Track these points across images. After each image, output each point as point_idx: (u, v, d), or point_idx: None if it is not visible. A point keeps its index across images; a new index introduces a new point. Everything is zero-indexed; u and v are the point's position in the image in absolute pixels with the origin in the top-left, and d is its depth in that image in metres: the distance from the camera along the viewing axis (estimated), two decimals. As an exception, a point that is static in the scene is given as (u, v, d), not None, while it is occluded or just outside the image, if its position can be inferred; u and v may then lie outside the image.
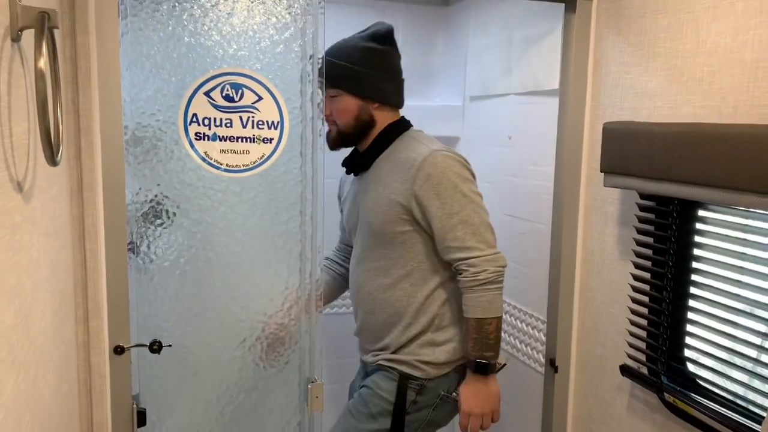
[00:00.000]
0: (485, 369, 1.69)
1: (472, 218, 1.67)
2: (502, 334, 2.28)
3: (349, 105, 1.77)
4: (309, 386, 1.69)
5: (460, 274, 1.68)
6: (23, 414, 0.87)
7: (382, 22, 1.82)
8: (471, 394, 1.71)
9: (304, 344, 1.71)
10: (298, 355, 1.71)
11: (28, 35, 0.87)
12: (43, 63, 0.80)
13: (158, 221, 1.57)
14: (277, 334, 1.69)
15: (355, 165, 1.86)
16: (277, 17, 1.57)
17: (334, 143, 1.83)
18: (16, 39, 0.85)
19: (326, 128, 1.82)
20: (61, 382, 1.21)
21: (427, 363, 1.76)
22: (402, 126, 1.84)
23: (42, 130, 0.82)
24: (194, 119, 1.55)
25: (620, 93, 1.69)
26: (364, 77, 1.77)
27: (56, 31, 1.18)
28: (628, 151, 1.52)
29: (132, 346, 1.54)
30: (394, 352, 1.79)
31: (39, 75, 0.80)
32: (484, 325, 1.67)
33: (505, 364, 1.77)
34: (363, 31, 1.82)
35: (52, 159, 0.88)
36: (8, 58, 0.82)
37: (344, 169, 1.91)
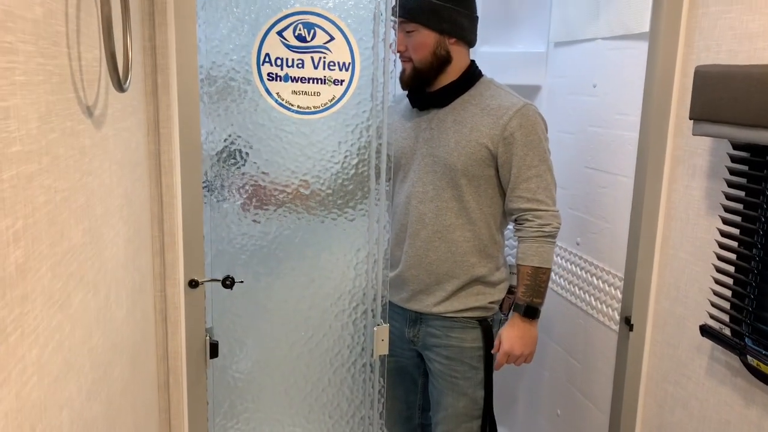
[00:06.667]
0: (534, 313, 1.78)
1: (546, 175, 1.77)
2: (577, 290, 2.23)
3: (427, 39, 1.76)
4: (375, 329, 1.71)
5: (524, 223, 1.77)
6: (93, 330, 0.92)
7: None
8: (516, 335, 1.78)
9: (369, 292, 1.72)
10: (365, 301, 1.73)
11: (98, -39, 0.89)
12: (109, -14, 0.81)
13: (232, 161, 1.60)
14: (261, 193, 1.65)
15: (428, 101, 1.83)
16: (350, -46, 1.53)
17: (410, 80, 1.82)
18: (85, -36, 0.86)
19: (398, 68, 1.81)
20: (136, 309, 1.27)
21: (493, 302, 1.87)
22: (479, 70, 1.84)
23: (107, 54, 0.83)
24: (267, 59, 1.55)
25: (717, 35, 1.56)
26: (442, 11, 1.75)
27: (131, -35, 1.20)
28: (722, 96, 1.40)
29: (206, 281, 1.59)
30: (455, 295, 1.82)
31: (104, -1, 0.81)
32: (539, 273, 1.76)
33: None
34: None
35: (119, 84, 0.89)
36: (76, -18, 0.84)
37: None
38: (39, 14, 0.69)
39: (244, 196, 1.62)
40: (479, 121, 1.76)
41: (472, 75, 1.82)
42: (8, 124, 0.60)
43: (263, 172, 1.61)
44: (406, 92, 1.88)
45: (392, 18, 1.59)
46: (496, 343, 1.82)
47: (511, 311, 1.81)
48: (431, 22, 1.74)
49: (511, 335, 1.79)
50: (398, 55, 1.80)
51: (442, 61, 1.78)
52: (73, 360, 0.81)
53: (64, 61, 0.78)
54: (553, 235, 1.78)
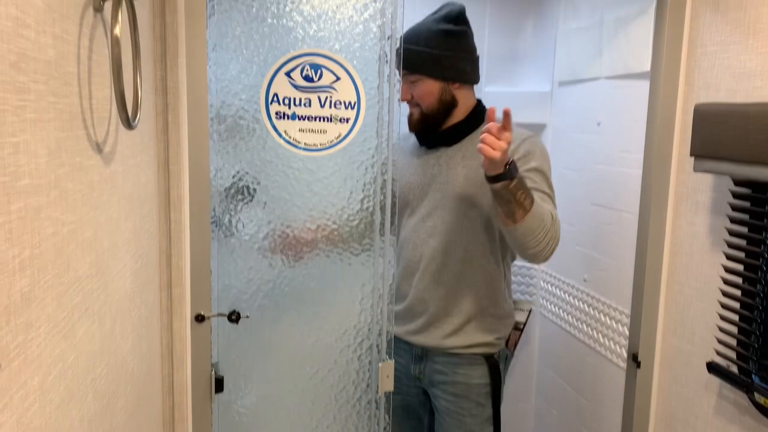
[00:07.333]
0: (510, 171, 1.50)
1: (553, 202, 1.74)
2: (584, 327, 2.21)
3: (432, 88, 1.80)
4: (380, 365, 1.71)
5: None
6: (97, 360, 0.94)
7: (453, 2, 1.84)
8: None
9: (374, 327, 1.73)
10: (371, 336, 1.73)
11: (110, 6, 0.93)
12: (119, 30, 0.85)
13: (239, 197, 1.63)
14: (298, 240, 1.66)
15: (437, 140, 1.86)
16: (356, -2, 1.59)
17: (418, 124, 1.85)
18: (98, 9, 0.91)
19: (405, 109, 1.85)
20: (141, 342, 1.28)
21: (499, 338, 1.87)
22: (484, 108, 1.86)
23: (116, 93, 0.87)
24: (275, 99, 1.59)
25: (716, 74, 1.59)
26: (443, 60, 1.78)
27: (145, 10, 1.26)
28: (721, 133, 1.43)
29: (212, 316, 1.61)
30: (462, 329, 1.82)
31: (114, 41, 0.85)
32: (528, 200, 1.54)
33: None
34: (435, 12, 1.83)
35: (127, 122, 0.93)
36: (90, 25, 0.88)
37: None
38: (51, 56, 0.73)
39: (268, 240, 1.65)
40: None
41: (479, 114, 1.85)
42: (18, 158, 0.63)
43: (286, 226, 1.63)
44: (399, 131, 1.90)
45: (396, 61, 1.63)
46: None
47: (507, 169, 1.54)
48: (434, 71, 1.78)
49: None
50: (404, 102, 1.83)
51: (449, 105, 1.82)
52: (75, 389, 0.83)
53: (75, 100, 0.82)
54: (554, 218, 1.62)
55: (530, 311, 2.03)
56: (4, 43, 0.60)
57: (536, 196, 1.63)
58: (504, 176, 1.51)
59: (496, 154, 1.47)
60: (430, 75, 1.79)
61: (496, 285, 1.85)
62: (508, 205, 1.55)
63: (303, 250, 1.68)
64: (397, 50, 1.63)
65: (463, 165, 1.81)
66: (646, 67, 1.81)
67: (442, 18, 1.80)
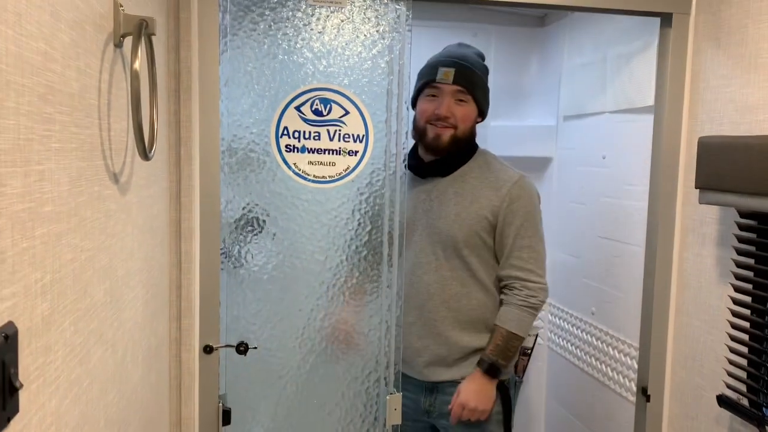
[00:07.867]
0: (496, 372, 1.78)
1: (538, 247, 1.81)
2: (593, 361, 2.20)
3: (473, 113, 1.86)
4: (387, 398, 1.70)
5: (512, 290, 1.80)
6: (109, 387, 0.94)
7: (465, 42, 1.93)
8: (474, 389, 1.79)
9: (382, 359, 1.73)
10: (378, 368, 1.73)
11: (130, 42, 0.97)
12: (138, 64, 0.88)
13: (249, 228, 1.65)
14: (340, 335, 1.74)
15: (430, 168, 1.88)
16: (365, 35, 1.63)
17: (449, 145, 1.83)
18: (118, 45, 0.95)
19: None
20: (151, 372, 1.29)
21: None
22: (476, 142, 1.92)
23: (135, 125, 0.90)
24: (285, 132, 1.63)
25: (719, 107, 1.61)
26: (487, 92, 1.88)
27: (161, 46, 1.30)
28: (725, 165, 1.44)
29: (221, 347, 1.61)
30: (467, 360, 1.82)
31: (134, 75, 0.88)
32: (513, 339, 1.78)
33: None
34: (464, 45, 1.90)
35: (144, 153, 0.96)
36: (110, 60, 0.91)
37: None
38: (75, 89, 0.76)
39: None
40: (479, 193, 1.81)
41: (473, 147, 1.89)
42: (42, 185, 0.66)
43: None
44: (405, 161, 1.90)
45: (446, 80, 1.74)
46: (454, 397, 1.81)
47: (475, 366, 1.81)
48: (481, 98, 1.85)
49: (470, 388, 1.79)
50: (435, 120, 1.81)
51: (473, 135, 1.87)
52: (89, 414, 0.83)
53: (95, 131, 0.85)
54: (536, 308, 1.80)
55: (537, 336, 2.03)
56: (35, 76, 0.63)
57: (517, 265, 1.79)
58: (494, 371, 1.78)
59: (484, 415, 1.78)
60: (477, 100, 1.84)
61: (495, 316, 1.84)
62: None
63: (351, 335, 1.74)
64: (454, 70, 1.71)
65: (455, 202, 1.82)
66: (650, 101, 1.84)
67: (479, 54, 1.88)
